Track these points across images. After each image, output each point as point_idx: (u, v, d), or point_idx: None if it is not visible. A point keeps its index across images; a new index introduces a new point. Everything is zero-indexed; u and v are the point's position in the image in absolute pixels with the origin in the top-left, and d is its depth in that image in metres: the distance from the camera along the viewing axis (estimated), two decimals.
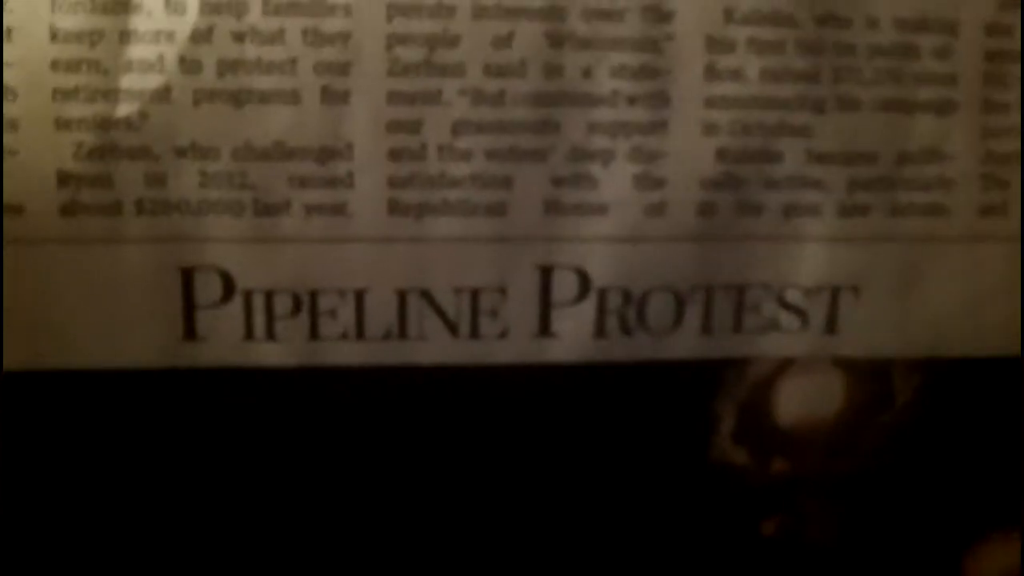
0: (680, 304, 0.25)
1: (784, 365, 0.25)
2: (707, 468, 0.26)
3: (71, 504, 0.25)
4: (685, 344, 0.25)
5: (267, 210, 0.23)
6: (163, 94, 0.23)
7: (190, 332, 0.24)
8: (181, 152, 0.23)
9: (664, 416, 0.25)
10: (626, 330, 0.25)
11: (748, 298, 0.25)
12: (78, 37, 0.22)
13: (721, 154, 0.24)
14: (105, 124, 0.23)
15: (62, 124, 0.22)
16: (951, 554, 0.27)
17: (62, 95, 0.22)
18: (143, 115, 0.23)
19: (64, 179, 0.23)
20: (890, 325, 0.25)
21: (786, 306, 0.25)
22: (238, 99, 0.23)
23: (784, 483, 0.26)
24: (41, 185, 0.23)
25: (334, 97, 0.23)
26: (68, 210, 0.23)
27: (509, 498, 0.26)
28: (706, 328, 0.25)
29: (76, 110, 0.22)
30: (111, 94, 0.22)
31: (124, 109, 0.23)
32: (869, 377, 0.26)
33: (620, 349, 0.25)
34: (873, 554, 0.27)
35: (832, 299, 0.25)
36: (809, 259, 0.25)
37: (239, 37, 0.23)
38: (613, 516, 0.26)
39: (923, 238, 0.25)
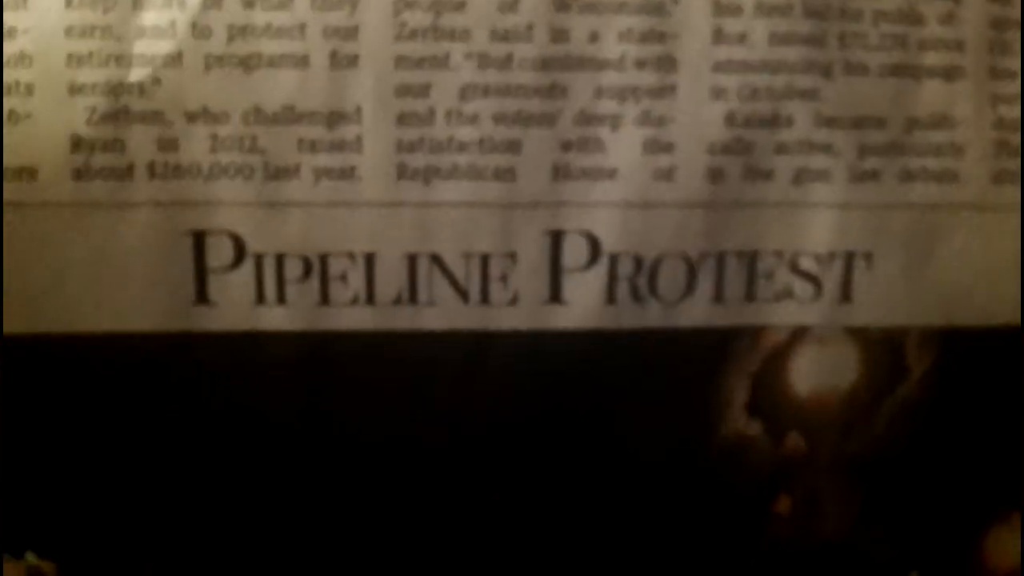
0: (691, 271, 0.25)
1: (798, 335, 0.25)
2: (720, 441, 0.25)
3: (77, 470, 0.25)
4: (697, 312, 0.25)
5: (277, 174, 0.23)
6: (175, 59, 0.23)
7: (201, 296, 0.24)
8: (192, 117, 0.23)
9: (676, 386, 0.25)
10: (637, 297, 0.25)
11: (760, 265, 0.25)
12: (92, 3, 0.23)
13: (730, 118, 0.24)
14: (118, 89, 0.23)
15: (75, 89, 0.23)
16: (969, 535, 0.26)
17: (76, 60, 0.23)
18: (155, 80, 0.23)
19: (77, 143, 0.23)
20: (904, 293, 0.25)
21: (799, 273, 0.25)
22: (248, 64, 0.23)
23: (799, 461, 0.26)
24: (54, 149, 0.23)
25: (342, 61, 0.23)
26: (80, 174, 0.23)
27: (516, 467, 0.25)
28: (718, 296, 0.25)
29: (89, 75, 0.23)
30: (124, 59, 0.23)
31: (136, 74, 0.23)
32: (884, 349, 0.25)
33: (631, 316, 0.25)
34: (889, 536, 0.26)
35: (846, 266, 0.25)
36: (821, 225, 0.25)
37: (249, 3, 0.23)
38: (622, 488, 0.26)
39: (935, 205, 0.25)
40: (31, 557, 0.25)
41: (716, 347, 0.25)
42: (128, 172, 0.23)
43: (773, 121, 0.24)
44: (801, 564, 0.26)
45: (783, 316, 0.25)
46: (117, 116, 0.23)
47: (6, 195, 0.23)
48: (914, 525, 0.26)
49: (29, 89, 0.23)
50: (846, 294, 0.25)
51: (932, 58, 0.24)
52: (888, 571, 0.26)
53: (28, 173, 0.23)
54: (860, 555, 0.26)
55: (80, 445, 0.25)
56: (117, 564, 0.25)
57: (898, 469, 0.26)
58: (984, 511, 0.26)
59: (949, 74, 0.24)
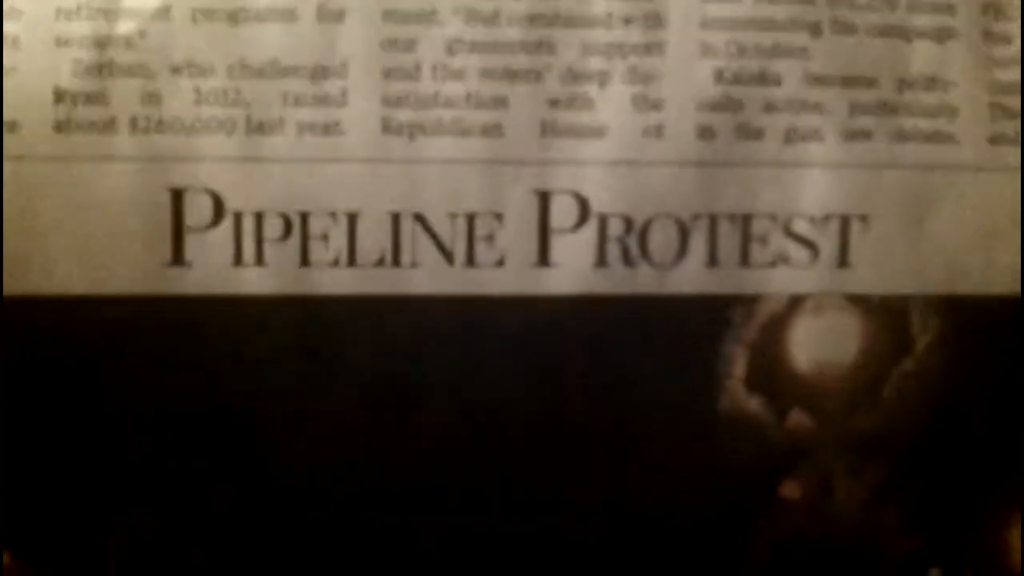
0: (683, 234, 0.24)
1: (795, 304, 0.24)
2: (720, 417, 0.24)
3: (56, 433, 0.23)
4: (690, 277, 0.24)
5: (260, 128, 0.23)
6: (162, 12, 0.23)
7: (178, 256, 0.23)
8: (177, 70, 0.23)
9: (671, 357, 0.24)
10: (628, 260, 0.24)
11: (754, 228, 0.24)
12: None
13: (719, 75, 0.24)
14: (104, 42, 0.23)
15: (62, 42, 0.23)
16: (989, 524, 0.25)
17: (64, 14, 0.23)
18: (141, 33, 0.23)
19: (60, 96, 0.23)
20: (903, 258, 0.24)
21: (794, 237, 0.24)
22: (235, 17, 0.23)
23: (805, 441, 0.25)
24: (37, 102, 0.23)
25: (329, 15, 0.23)
26: (62, 127, 0.23)
27: (506, 440, 0.24)
28: (712, 260, 0.24)
29: (77, 28, 0.23)
30: (112, 12, 0.23)
31: (124, 27, 0.23)
32: (885, 319, 0.24)
33: (622, 281, 0.24)
34: (904, 522, 0.25)
35: (842, 229, 0.24)
36: (814, 186, 0.24)
37: None
38: (618, 468, 0.24)
39: (931, 166, 0.24)
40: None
41: (711, 315, 0.24)
42: (110, 126, 0.23)
43: (762, 79, 0.24)
44: (812, 554, 0.25)
45: (779, 283, 0.24)
46: (102, 69, 0.23)
47: None
48: (929, 510, 0.25)
49: (15, 42, 0.23)
50: (843, 259, 0.24)
51: (922, 20, 0.24)
52: (905, 563, 0.25)
53: (9, 126, 0.23)
54: (873, 543, 0.25)
55: (53, 420, 0.24)
56: (79, 542, 0.24)
57: (909, 446, 0.25)
58: (1002, 496, 0.25)
59: (940, 36, 0.24)
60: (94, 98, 0.23)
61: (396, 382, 0.24)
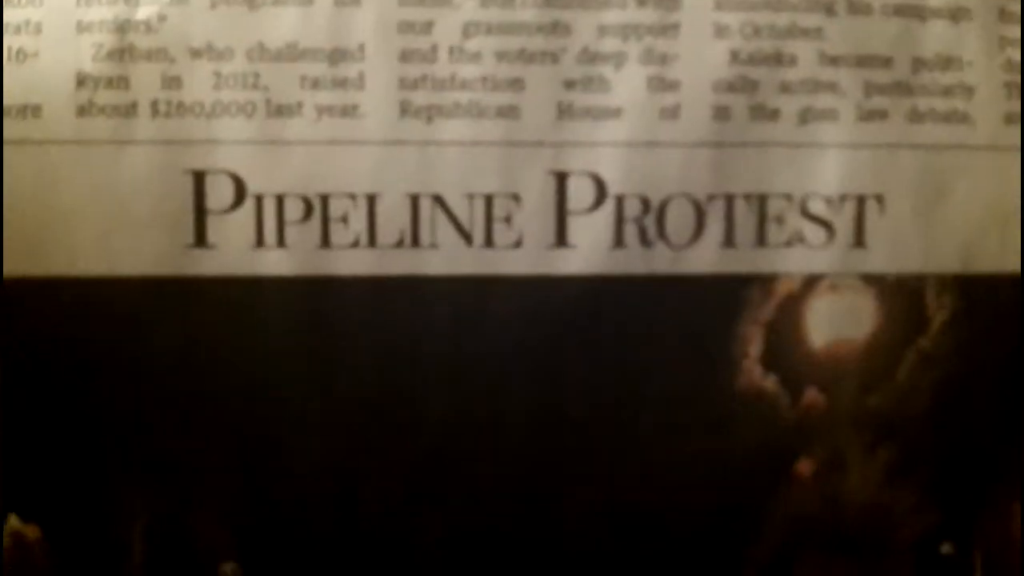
0: (700, 214, 0.24)
1: (811, 283, 0.24)
2: (736, 397, 0.24)
3: (72, 414, 0.24)
4: (707, 257, 0.24)
5: (279, 111, 0.23)
6: None
7: (200, 239, 0.24)
8: (196, 53, 0.23)
9: (687, 337, 0.24)
10: (645, 241, 0.24)
11: (770, 209, 0.24)
12: None
13: (734, 56, 0.24)
14: (124, 26, 0.23)
15: (83, 27, 0.23)
16: (1002, 501, 0.25)
17: (85, 0, 0.23)
18: (161, 17, 0.23)
19: (82, 80, 0.23)
20: (919, 237, 0.24)
21: (810, 217, 0.24)
22: (253, 1, 0.23)
23: (819, 418, 0.25)
24: (59, 86, 0.23)
25: None
26: (84, 111, 0.23)
27: (520, 416, 0.24)
28: (728, 240, 0.24)
29: (97, 13, 0.23)
30: None
31: (144, 11, 0.23)
32: (901, 298, 0.24)
33: (639, 261, 0.24)
34: (919, 500, 0.25)
35: (857, 210, 0.24)
36: (830, 167, 0.24)
37: None
38: (632, 445, 0.24)
39: (946, 146, 0.24)
40: (14, 520, 0.24)
41: (728, 295, 0.24)
42: (131, 109, 0.23)
43: (777, 59, 0.24)
44: (826, 531, 0.25)
45: (795, 262, 0.24)
46: (123, 53, 0.23)
47: (8, 133, 0.23)
48: (944, 488, 0.25)
49: (37, 28, 0.23)
50: (859, 239, 0.24)
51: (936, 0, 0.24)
52: (918, 540, 0.25)
53: (32, 111, 0.23)
54: (887, 521, 0.25)
55: (72, 398, 0.24)
56: (104, 523, 0.24)
57: (923, 426, 0.25)
58: (1010, 472, 0.25)
59: (955, 15, 0.24)
60: (115, 82, 0.23)
61: (412, 362, 0.24)
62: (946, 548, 0.25)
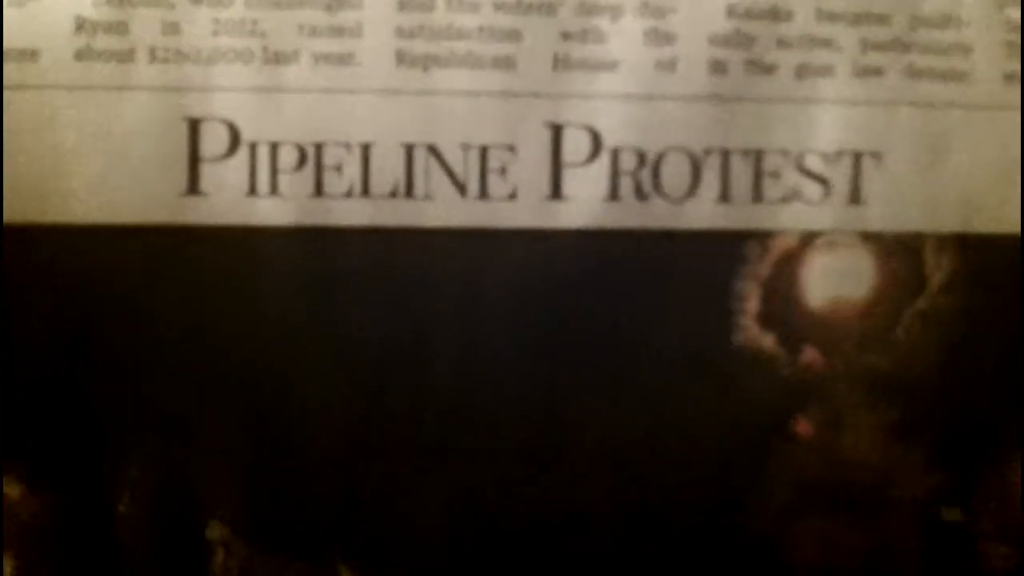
0: (696, 168, 0.24)
1: (808, 240, 0.24)
2: (734, 353, 0.24)
3: (71, 361, 0.23)
4: (702, 212, 0.24)
5: (276, 58, 0.23)
6: None
7: (193, 186, 0.23)
8: (195, 0, 0.23)
9: (685, 292, 0.24)
10: (641, 194, 0.24)
11: (766, 164, 0.24)
12: None
13: (731, 10, 0.24)
14: None
15: None
16: (1005, 465, 0.25)
17: None
18: None
19: (81, 24, 0.23)
20: (916, 195, 0.24)
21: (807, 174, 0.24)
22: None
23: (817, 377, 0.24)
24: (59, 31, 0.23)
25: None
26: (82, 55, 0.23)
27: (519, 374, 0.24)
28: (724, 196, 0.24)
29: None
30: None
31: None
32: (899, 257, 0.24)
33: (635, 215, 0.24)
34: (923, 462, 0.24)
35: (854, 166, 0.24)
36: (826, 123, 0.24)
37: None
38: (630, 401, 0.24)
39: (944, 103, 0.24)
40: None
41: (725, 251, 0.24)
42: (129, 55, 0.23)
43: (774, 14, 0.24)
44: (826, 490, 0.24)
45: (792, 219, 0.24)
46: None
47: (7, 78, 0.23)
48: (946, 449, 0.24)
49: None
50: (856, 195, 0.24)
51: None
52: (924, 503, 0.24)
53: (30, 55, 0.23)
54: (889, 481, 0.24)
55: (69, 347, 0.24)
56: (95, 471, 0.24)
57: (924, 386, 0.24)
58: (1010, 432, 0.24)
59: None
60: (114, 27, 0.23)
61: (407, 314, 0.24)
62: (952, 514, 0.25)
